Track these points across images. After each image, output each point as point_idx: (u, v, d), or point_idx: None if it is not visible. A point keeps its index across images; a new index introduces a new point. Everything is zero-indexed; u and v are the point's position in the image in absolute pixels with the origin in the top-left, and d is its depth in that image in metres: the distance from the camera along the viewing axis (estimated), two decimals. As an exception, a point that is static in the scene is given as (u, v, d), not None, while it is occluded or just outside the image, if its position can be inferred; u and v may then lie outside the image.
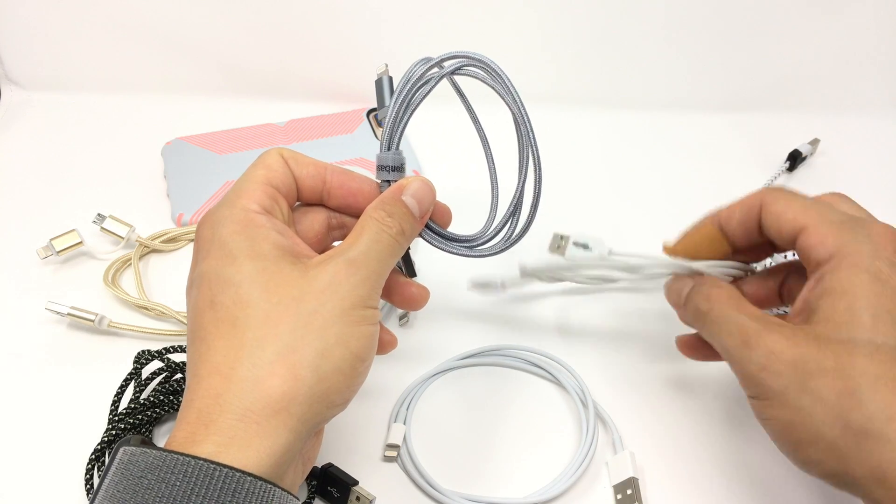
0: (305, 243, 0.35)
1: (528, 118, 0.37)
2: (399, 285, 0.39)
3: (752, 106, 0.68)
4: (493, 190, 0.41)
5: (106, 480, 0.29)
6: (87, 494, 0.40)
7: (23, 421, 0.44)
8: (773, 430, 0.32)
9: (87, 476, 0.40)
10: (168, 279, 0.53)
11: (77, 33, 0.66)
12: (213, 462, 0.28)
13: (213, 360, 0.30)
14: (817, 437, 0.30)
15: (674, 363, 0.48)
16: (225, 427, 0.29)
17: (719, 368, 0.48)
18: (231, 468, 0.28)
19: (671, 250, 0.40)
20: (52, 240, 0.52)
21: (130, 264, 0.53)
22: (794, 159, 0.63)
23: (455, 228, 0.40)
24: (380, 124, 0.37)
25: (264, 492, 0.28)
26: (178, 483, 0.27)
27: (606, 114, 0.68)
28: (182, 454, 0.28)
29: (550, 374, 0.47)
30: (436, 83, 0.36)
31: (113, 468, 0.29)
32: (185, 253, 0.55)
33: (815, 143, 0.64)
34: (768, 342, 0.32)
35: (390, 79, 0.39)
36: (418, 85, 0.36)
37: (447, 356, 0.48)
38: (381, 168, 0.37)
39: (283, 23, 0.65)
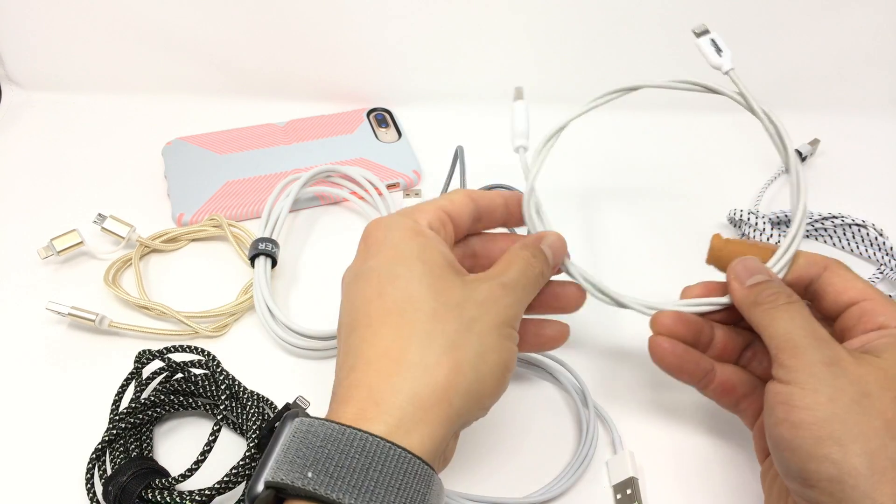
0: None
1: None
2: (534, 325, 0.41)
3: (751, 106, 0.68)
4: None
5: (280, 443, 0.30)
6: (88, 494, 0.40)
7: (23, 421, 0.44)
8: (798, 418, 0.32)
9: (88, 476, 0.40)
10: (169, 279, 0.53)
11: (77, 33, 0.66)
12: (389, 441, 0.30)
13: (381, 345, 0.32)
14: (846, 442, 0.31)
15: (674, 363, 0.48)
16: (395, 408, 0.31)
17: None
18: (405, 450, 0.30)
19: (722, 241, 0.42)
20: (52, 240, 0.52)
21: (131, 264, 0.53)
22: None
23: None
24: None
25: (428, 476, 0.30)
26: (357, 456, 0.29)
27: (606, 114, 0.68)
28: (360, 430, 0.30)
29: (550, 374, 0.47)
30: None
31: (289, 433, 0.31)
32: (186, 252, 0.55)
33: (815, 143, 0.64)
34: (841, 350, 0.34)
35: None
36: None
37: (447, 356, 0.48)
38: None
39: (284, 23, 0.65)
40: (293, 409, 0.32)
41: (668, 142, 0.67)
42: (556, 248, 0.39)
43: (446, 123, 0.67)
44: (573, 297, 0.41)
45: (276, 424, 0.32)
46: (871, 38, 0.66)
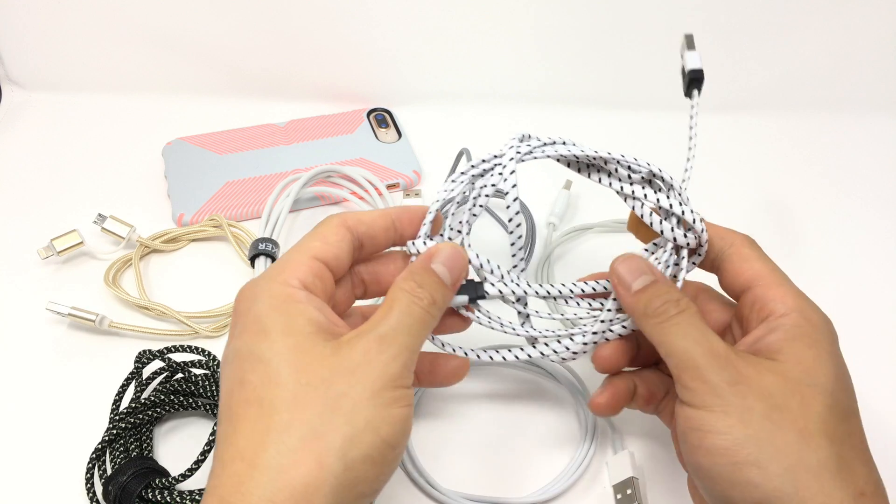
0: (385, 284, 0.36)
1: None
2: (438, 359, 0.38)
3: (752, 106, 0.68)
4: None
5: None
6: (88, 494, 0.40)
7: (23, 421, 0.44)
8: (713, 444, 0.31)
9: (88, 476, 0.40)
10: (169, 279, 0.53)
11: (77, 33, 0.66)
12: None
13: (237, 444, 0.29)
14: (765, 463, 0.30)
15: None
16: None
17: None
18: None
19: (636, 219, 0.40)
20: (52, 240, 0.52)
21: (131, 264, 0.53)
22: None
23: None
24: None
25: None
26: None
27: (606, 114, 0.68)
28: None
29: (550, 374, 0.47)
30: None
31: None
32: (186, 252, 0.55)
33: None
34: (740, 363, 0.32)
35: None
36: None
37: (447, 356, 0.48)
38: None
39: (284, 23, 0.65)
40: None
41: (667, 141, 0.66)
42: (451, 262, 0.34)
43: (446, 123, 0.67)
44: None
45: None
46: (871, 38, 0.66)
